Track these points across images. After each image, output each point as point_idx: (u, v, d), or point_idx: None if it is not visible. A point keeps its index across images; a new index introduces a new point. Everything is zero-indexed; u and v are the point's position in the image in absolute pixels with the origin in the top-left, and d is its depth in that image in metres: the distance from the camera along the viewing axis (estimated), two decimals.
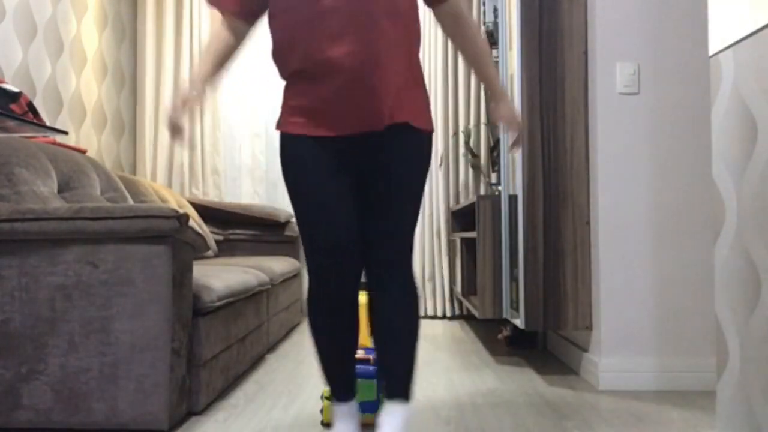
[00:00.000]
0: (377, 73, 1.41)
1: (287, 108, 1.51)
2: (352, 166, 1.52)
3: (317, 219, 1.49)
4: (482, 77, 1.61)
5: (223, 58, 1.57)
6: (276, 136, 4.68)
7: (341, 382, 1.67)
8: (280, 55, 1.49)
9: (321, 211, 1.49)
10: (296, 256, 4.41)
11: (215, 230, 4.28)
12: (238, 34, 1.58)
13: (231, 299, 2.37)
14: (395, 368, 1.60)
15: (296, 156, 1.49)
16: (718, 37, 1.72)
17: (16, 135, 2.65)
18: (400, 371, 1.60)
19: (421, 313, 4.48)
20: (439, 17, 1.58)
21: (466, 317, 4.53)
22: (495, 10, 3.76)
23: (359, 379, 1.97)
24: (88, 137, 3.86)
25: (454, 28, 1.57)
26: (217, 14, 1.57)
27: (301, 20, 1.41)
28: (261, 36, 4.66)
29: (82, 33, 3.77)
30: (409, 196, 1.54)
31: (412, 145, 1.52)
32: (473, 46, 1.58)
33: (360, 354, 2.06)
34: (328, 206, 1.48)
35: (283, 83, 4.68)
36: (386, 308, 1.58)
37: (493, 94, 1.63)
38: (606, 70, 2.55)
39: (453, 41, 1.60)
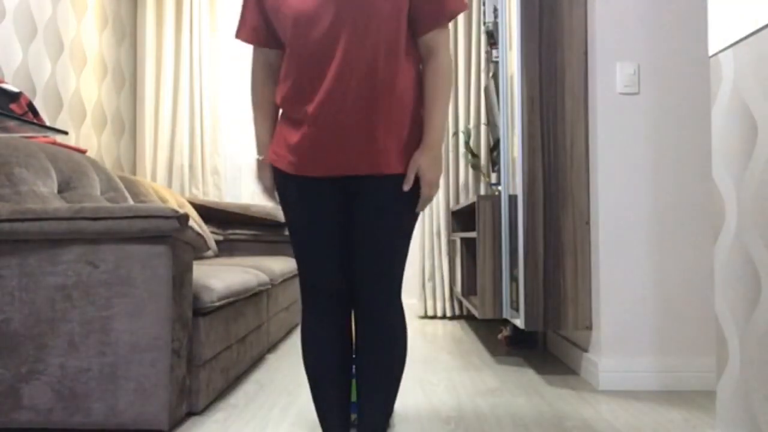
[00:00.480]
0: (346, 122, 1.41)
1: (279, 139, 1.52)
2: (339, 204, 1.52)
3: (304, 256, 1.53)
4: (426, 118, 1.50)
5: (274, 115, 1.60)
6: None
7: (333, 419, 1.60)
8: (280, 86, 1.51)
9: (308, 250, 1.52)
10: None
11: (215, 230, 4.28)
12: (273, 67, 1.58)
13: (231, 299, 2.37)
14: (369, 414, 1.55)
15: (286, 193, 1.53)
16: (718, 37, 1.72)
17: (16, 135, 2.65)
18: (373, 417, 1.55)
19: (428, 312, 4.48)
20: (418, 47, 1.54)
21: (466, 317, 4.53)
22: (495, 10, 3.76)
23: None
24: (88, 137, 3.86)
25: (425, 61, 1.51)
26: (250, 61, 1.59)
27: (294, 59, 1.44)
28: None
29: (82, 33, 3.77)
30: (388, 242, 1.48)
31: (385, 192, 1.47)
32: (432, 87, 1.49)
33: None
34: (314, 246, 1.51)
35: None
36: (366, 351, 1.55)
37: (423, 140, 1.49)
38: (606, 70, 2.55)
39: (422, 72, 1.54)
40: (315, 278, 1.53)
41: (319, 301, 1.55)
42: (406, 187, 1.46)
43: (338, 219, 1.52)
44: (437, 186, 1.50)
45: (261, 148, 1.59)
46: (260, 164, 1.59)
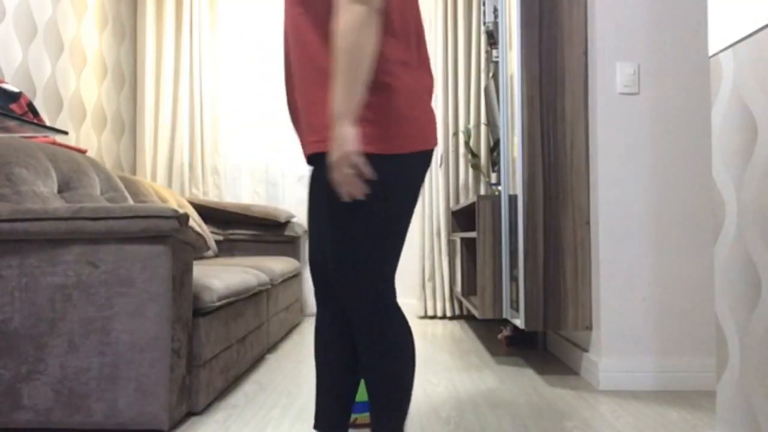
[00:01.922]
0: (298, 107, 1.46)
1: None
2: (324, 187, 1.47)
3: (309, 243, 1.61)
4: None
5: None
6: (275, 134, 4.68)
7: (321, 410, 1.55)
8: None
9: (310, 236, 1.60)
10: (296, 256, 4.40)
11: (215, 230, 4.28)
12: None
13: (231, 299, 2.37)
14: (373, 422, 1.46)
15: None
16: (718, 37, 1.72)
17: (16, 135, 2.65)
18: (376, 426, 1.45)
19: (428, 312, 4.48)
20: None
21: (466, 317, 4.53)
22: (495, 10, 3.76)
23: None
24: (88, 137, 3.86)
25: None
26: None
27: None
28: (261, 33, 4.66)
29: (82, 33, 3.77)
30: (335, 229, 1.38)
31: (319, 172, 1.43)
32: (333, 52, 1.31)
33: None
34: (311, 233, 1.58)
35: (280, 83, 4.69)
36: (360, 359, 1.47)
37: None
38: (606, 70, 2.55)
39: None
40: (315, 270, 1.57)
41: (324, 295, 1.56)
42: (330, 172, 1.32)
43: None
44: (340, 168, 1.26)
45: None
46: None
